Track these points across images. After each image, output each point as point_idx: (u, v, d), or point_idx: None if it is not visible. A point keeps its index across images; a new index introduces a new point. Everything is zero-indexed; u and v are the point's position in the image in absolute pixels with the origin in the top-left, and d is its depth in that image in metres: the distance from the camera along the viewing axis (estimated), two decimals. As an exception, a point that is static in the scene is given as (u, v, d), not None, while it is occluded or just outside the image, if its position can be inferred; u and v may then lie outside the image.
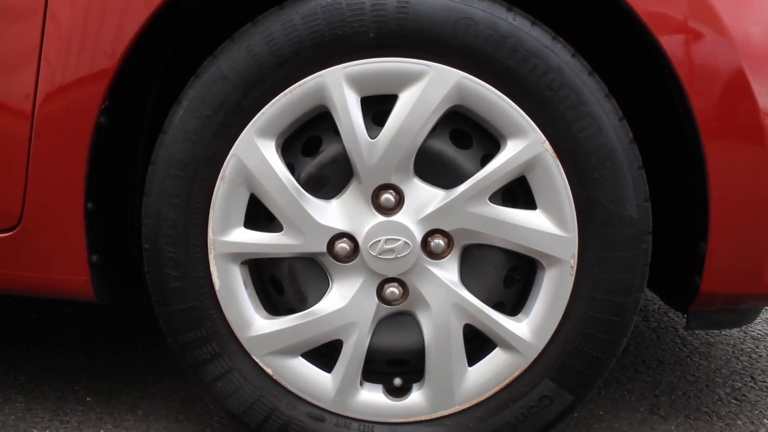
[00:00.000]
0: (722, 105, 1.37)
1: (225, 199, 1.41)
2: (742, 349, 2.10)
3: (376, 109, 1.41)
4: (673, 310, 2.37)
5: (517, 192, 1.44)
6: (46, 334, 2.13)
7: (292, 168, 1.44)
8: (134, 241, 1.60)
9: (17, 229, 1.48)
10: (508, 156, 1.38)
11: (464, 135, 1.44)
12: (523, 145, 1.37)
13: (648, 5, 1.35)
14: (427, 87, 1.36)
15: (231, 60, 1.39)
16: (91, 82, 1.41)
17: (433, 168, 1.42)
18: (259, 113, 1.39)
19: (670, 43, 1.36)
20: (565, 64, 1.36)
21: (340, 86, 1.37)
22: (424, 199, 1.41)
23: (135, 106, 1.55)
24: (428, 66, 1.36)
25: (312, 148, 1.45)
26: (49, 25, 1.40)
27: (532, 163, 1.38)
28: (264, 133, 1.40)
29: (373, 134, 1.38)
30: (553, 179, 1.38)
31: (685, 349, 2.11)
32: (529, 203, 1.41)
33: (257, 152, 1.39)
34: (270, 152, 1.40)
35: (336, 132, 1.40)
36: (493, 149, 1.41)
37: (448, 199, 1.39)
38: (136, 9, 1.39)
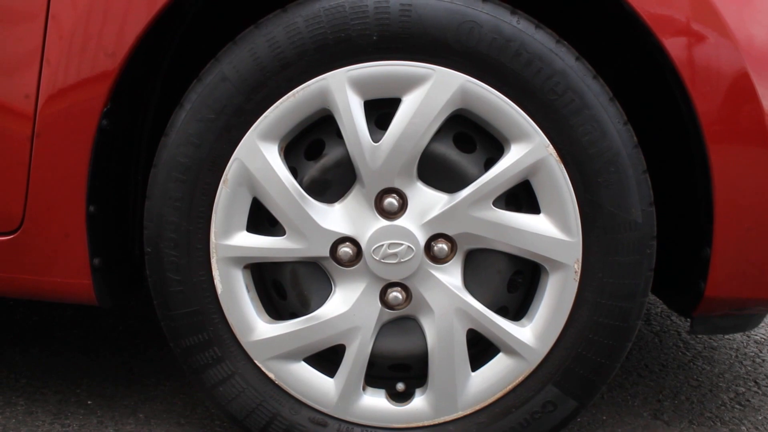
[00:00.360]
0: (727, 108, 1.36)
1: (227, 203, 1.41)
2: (745, 354, 2.10)
3: (380, 112, 1.41)
4: (675, 313, 2.37)
5: (520, 196, 1.44)
6: (48, 336, 2.13)
7: (294, 172, 1.43)
8: (136, 244, 1.60)
9: (19, 231, 1.47)
10: (512, 160, 1.37)
11: (468, 139, 1.43)
12: (527, 149, 1.37)
13: (651, 7, 1.35)
14: (431, 90, 1.35)
15: (234, 63, 1.38)
16: (93, 84, 1.40)
17: (437, 172, 1.41)
18: (262, 116, 1.38)
19: (674, 46, 1.35)
20: (569, 68, 1.35)
21: (343, 90, 1.36)
22: (427, 203, 1.40)
23: (137, 109, 1.55)
24: (432, 69, 1.35)
25: (315, 152, 1.45)
26: (51, 28, 1.40)
27: (536, 167, 1.37)
28: (267, 136, 1.39)
29: (376, 138, 1.38)
30: (557, 184, 1.37)
31: (688, 353, 2.10)
32: (532, 207, 1.41)
33: (260, 156, 1.39)
34: (273, 156, 1.39)
35: (339, 135, 1.40)
36: (496, 153, 1.41)
37: (452, 204, 1.38)
38: (139, 12, 1.38)
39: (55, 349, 2.04)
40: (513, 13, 1.35)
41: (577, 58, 1.36)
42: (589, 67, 1.37)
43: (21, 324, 2.21)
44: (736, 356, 2.08)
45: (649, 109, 1.61)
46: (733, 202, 1.39)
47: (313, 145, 1.45)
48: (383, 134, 1.37)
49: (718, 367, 2.02)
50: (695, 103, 1.36)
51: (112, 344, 2.09)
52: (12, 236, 1.48)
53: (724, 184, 1.38)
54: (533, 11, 1.46)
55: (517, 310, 1.48)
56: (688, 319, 1.58)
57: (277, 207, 1.40)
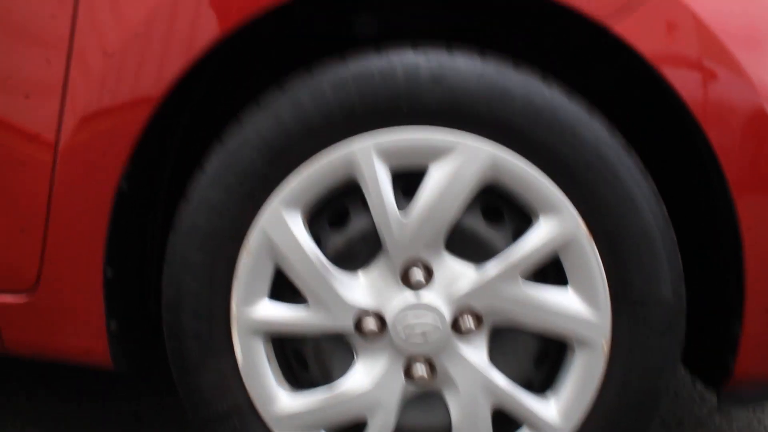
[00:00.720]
0: (754, 158, 1.33)
1: (249, 272, 1.37)
2: (762, 409, 2.07)
3: (407, 177, 1.37)
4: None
5: (548, 266, 1.40)
6: (55, 379, 2.09)
7: (318, 240, 1.39)
8: (154, 307, 1.56)
9: (33, 291, 1.44)
10: (541, 235, 1.34)
11: (495, 206, 1.40)
12: (557, 223, 1.33)
13: (662, 49, 1.31)
14: (460, 162, 1.32)
15: (257, 127, 1.35)
16: (112, 147, 1.37)
17: (462, 240, 1.38)
18: (286, 184, 1.35)
19: (691, 93, 1.31)
20: (602, 141, 1.32)
21: (370, 159, 1.33)
22: (453, 274, 1.37)
23: (155, 168, 1.51)
24: (461, 140, 1.32)
25: (339, 218, 1.41)
26: (70, 97, 1.36)
27: (566, 242, 1.34)
28: (290, 204, 1.35)
29: (402, 205, 1.34)
30: (587, 260, 1.34)
31: (704, 407, 2.07)
32: (560, 276, 1.38)
33: (283, 225, 1.35)
34: (296, 225, 1.36)
35: (364, 203, 1.36)
36: (524, 223, 1.38)
37: (479, 278, 1.35)
38: (158, 74, 1.34)
39: (63, 395, 2.01)
40: (546, 82, 1.32)
41: (609, 130, 1.33)
42: (623, 140, 1.34)
43: (27, 366, 2.17)
44: (754, 412, 2.05)
45: (672, 167, 1.58)
46: (766, 267, 1.35)
47: (337, 211, 1.41)
48: (409, 201, 1.34)
49: (736, 423, 1.99)
50: (719, 158, 1.32)
51: (120, 389, 2.05)
52: (26, 296, 1.45)
53: (755, 245, 1.34)
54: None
55: (542, 383, 1.45)
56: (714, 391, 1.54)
57: (300, 279, 1.36)
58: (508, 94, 1.31)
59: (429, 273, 1.37)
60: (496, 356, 1.40)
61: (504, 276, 1.35)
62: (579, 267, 1.35)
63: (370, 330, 1.38)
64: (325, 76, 1.34)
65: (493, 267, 1.35)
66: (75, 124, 1.37)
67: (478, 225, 1.38)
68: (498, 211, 1.40)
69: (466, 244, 1.38)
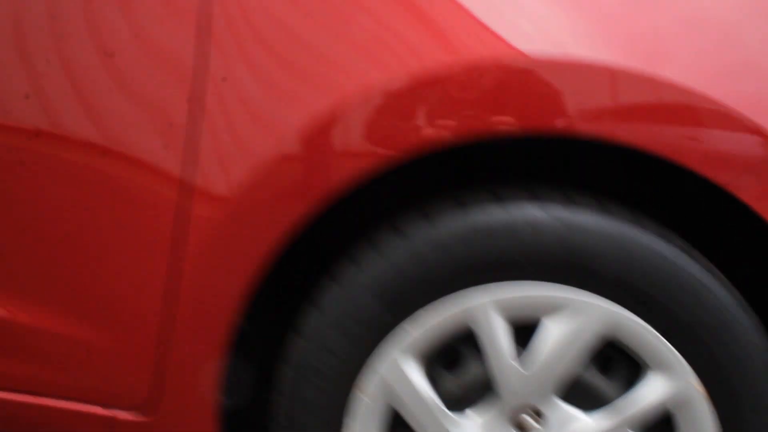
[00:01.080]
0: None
1: (363, 412, 1.40)
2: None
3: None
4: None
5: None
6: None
7: (432, 380, 1.42)
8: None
9: (148, 412, 1.47)
10: (655, 392, 1.36)
11: (606, 354, 1.42)
12: (671, 382, 1.36)
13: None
14: (580, 321, 1.34)
15: (375, 274, 1.36)
16: (230, 289, 1.39)
17: (573, 387, 1.40)
18: (404, 331, 1.37)
19: None
20: (719, 300, 1.33)
21: (488, 312, 1.35)
22: (564, 420, 1.39)
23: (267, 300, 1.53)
24: (579, 297, 1.33)
25: (453, 359, 1.43)
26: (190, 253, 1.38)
27: (679, 401, 1.36)
28: (408, 351, 1.38)
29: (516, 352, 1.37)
30: (700, 420, 1.36)
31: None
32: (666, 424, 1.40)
33: (400, 372, 1.38)
34: (413, 372, 1.38)
35: (478, 349, 1.38)
36: (636, 370, 1.40)
37: (591, 429, 1.38)
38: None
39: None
40: (669, 241, 1.33)
41: (728, 290, 1.34)
42: (738, 297, 1.35)
43: None
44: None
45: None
46: None
47: (451, 353, 1.43)
48: (524, 351, 1.36)
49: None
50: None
51: None
52: (137, 417, 1.48)
53: None
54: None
55: None
56: None
57: (416, 421, 1.39)
58: (630, 254, 1.32)
59: (539, 417, 1.40)
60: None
61: (616, 428, 1.38)
62: (691, 425, 1.37)
63: (483, 468, 1.42)
64: (446, 227, 1.35)
65: (605, 419, 1.37)
66: (197, 257, 1.39)
67: (590, 374, 1.40)
68: (609, 358, 1.42)
69: (576, 390, 1.40)
